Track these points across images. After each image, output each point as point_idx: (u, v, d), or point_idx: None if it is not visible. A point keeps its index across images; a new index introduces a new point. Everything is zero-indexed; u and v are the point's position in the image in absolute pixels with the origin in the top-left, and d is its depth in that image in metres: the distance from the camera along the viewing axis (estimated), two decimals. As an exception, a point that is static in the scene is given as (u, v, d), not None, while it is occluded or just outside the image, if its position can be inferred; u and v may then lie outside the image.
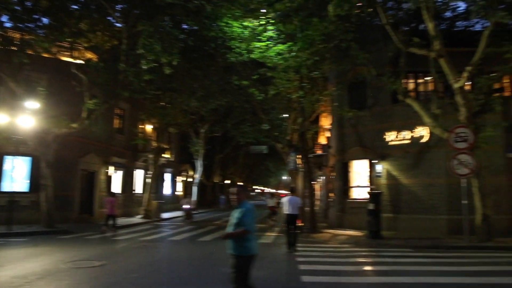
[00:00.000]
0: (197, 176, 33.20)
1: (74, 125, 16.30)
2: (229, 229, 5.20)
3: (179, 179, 36.59)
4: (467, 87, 13.83)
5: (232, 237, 5.14)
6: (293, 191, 13.00)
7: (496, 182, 14.51)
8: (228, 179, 49.95)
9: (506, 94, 16.46)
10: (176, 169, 34.90)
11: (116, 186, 23.33)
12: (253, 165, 54.91)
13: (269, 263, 9.69)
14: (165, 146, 27.26)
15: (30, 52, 15.40)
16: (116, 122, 24.17)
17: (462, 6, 28.77)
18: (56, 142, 16.46)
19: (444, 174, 14.80)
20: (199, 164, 32.55)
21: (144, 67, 14.94)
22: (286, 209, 11.79)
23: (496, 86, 14.03)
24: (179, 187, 36.85)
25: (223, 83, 21.14)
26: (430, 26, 12.68)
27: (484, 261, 9.78)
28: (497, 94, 13.97)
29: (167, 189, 32.47)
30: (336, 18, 13.63)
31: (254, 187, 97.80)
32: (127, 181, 25.00)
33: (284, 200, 12.16)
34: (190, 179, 38.51)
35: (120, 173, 24.10)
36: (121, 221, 17.02)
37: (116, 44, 16.90)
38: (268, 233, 16.69)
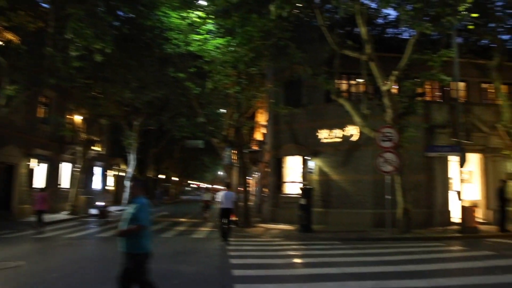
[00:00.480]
0: (130, 170, 32.13)
1: (-10, 113, 15.00)
2: (123, 226, 4.90)
3: (110, 173, 35.16)
4: (394, 90, 14.69)
5: (126, 234, 4.85)
6: (228, 186, 13.68)
7: (415, 179, 15.59)
8: (162, 174, 48.94)
9: (427, 98, 17.72)
10: (107, 163, 33.38)
11: (40, 180, 21.91)
12: (189, 160, 54.18)
13: (201, 258, 9.69)
14: (96, 139, 26.03)
15: None
16: (41, 111, 22.65)
17: (393, 14, 30.39)
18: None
19: (371, 171, 15.62)
20: (132, 158, 31.53)
21: (73, 53, 14.06)
22: (221, 203, 12.29)
23: (419, 90, 15.04)
24: (110, 181, 35.44)
25: (159, 75, 20.54)
26: (363, 30, 13.30)
27: (403, 251, 10.51)
28: (420, 98, 14.98)
29: (97, 184, 31.08)
30: (275, 16, 13.87)
31: (189, 182, 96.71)
32: (52, 175, 23.56)
33: (220, 194, 12.71)
34: (122, 174, 37.17)
35: (44, 166, 22.67)
36: (45, 217, 15.97)
37: (42, 26, 15.73)
38: (202, 228, 16.64)
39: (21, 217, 18.96)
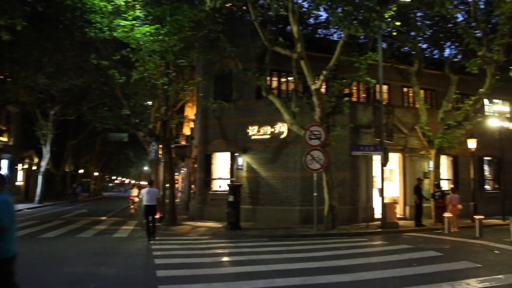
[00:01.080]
0: (44, 164, 29.68)
1: None
2: None
3: (20, 167, 32.24)
4: (323, 90, 14.98)
5: None
6: (151, 183, 13.47)
7: (341, 176, 16.09)
8: (82, 169, 46.12)
9: (354, 99, 18.37)
10: (17, 155, 30.45)
11: None
12: (112, 154, 51.64)
13: (123, 258, 9.08)
14: (2, 128, 23.64)
15: None
16: None
17: (323, 15, 31.30)
18: None
19: (299, 168, 15.81)
20: (46, 151, 29.13)
21: None
22: (145, 200, 12.19)
23: (346, 91, 15.53)
24: (20, 176, 32.55)
25: (79, 61, 19.10)
26: (295, 29, 13.36)
27: (329, 247, 10.72)
28: (346, 99, 15.47)
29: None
30: (209, 7, 13.46)
31: (113, 177, 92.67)
32: None
33: (143, 191, 12.60)
34: (35, 167, 34.31)
35: None
36: None
37: None
38: (124, 227, 15.76)
39: None
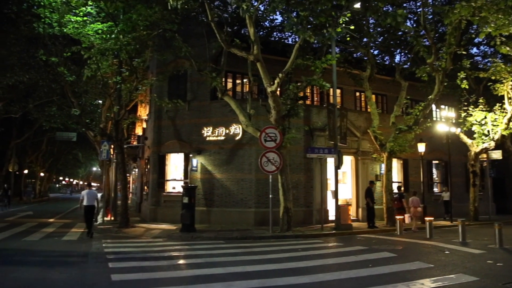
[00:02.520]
0: (-15, 163, 28.01)
1: None
2: None
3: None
4: (278, 92, 15.14)
5: None
6: (90, 185, 15.04)
7: (296, 178, 16.36)
8: (27, 169, 43.76)
9: (308, 102, 18.73)
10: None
11: None
12: (59, 154, 49.46)
13: (75, 262, 8.73)
14: None
15: None
16: None
17: (279, 19, 31.66)
18: None
19: (254, 170, 15.91)
20: (-12, 150, 27.49)
21: None
22: (85, 201, 13.12)
23: (301, 94, 15.79)
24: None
25: (25, 56, 18.17)
26: (251, 31, 13.41)
27: (285, 248, 10.80)
28: (301, 102, 15.74)
29: None
30: (162, 7, 13.25)
31: (60, 178, 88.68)
32: None
33: (83, 193, 13.43)
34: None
35: None
36: None
37: None
38: (74, 229, 15.15)
39: None
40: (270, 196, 13.75)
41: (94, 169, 74.01)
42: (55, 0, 13.80)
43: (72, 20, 14.18)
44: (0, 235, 13.10)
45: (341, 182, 17.53)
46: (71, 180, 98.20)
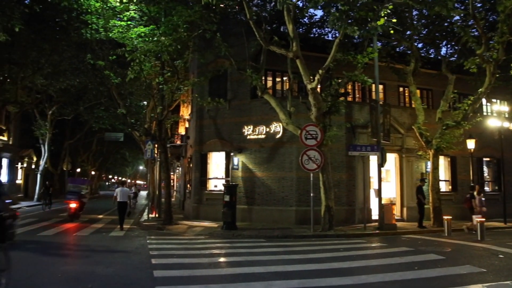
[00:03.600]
0: (42, 163, 29.72)
1: None
2: None
3: (19, 165, 32.19)
4: (319, 89, 14.95)
5: None
6: (123, 183, 17.27)
7: (338, 177, 16.10)
8: (79, 168, 45.91)
9: (350, 99, 18.35)
10: (16, 154, 30.48)
11: None
12: (108, 153, 51.55)
13: (119, 257, 9.03)
14: (2, 127, 23.57)
15: None
16: None
17: (318, 14, 31.32)
18: None
19: (295, 168, 15.81)
20: (44, 150, 29.14)
21: None
22: (119, 197, 14.91)
23: (342, 90, 15.49)
24: (20, 174, 32.47)
25: (76, 61, 19.12)
26: (290, 27, 13.32)
27: (327, 248, 10.65)
28: (342, 98, 15.44)
29: (3, 177, 28.15)
30: (201, 7, 13.43)
31: (110, 176, 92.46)
32: None
33: (117, 190, 15.27)
34: (34, 166, 34.26)
35: None
36: None
37: None
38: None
39: None
40: (312, 194, 13.61)
41: (141, 168, 76.32)
42: (101, 7, 14.34)
43: (117, 24, 14.69)
44: (54, 229, 13.83)
45: (385, 181, 17.07)
46: (120, 178, 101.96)
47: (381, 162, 14.53)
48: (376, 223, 14.58)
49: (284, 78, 18.04)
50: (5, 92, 19.94)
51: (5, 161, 28.16)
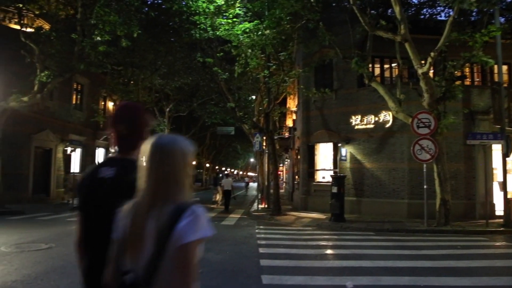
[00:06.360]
0: (163, 156, 32.56)
1: (25, 99, 15.12)
2: None
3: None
4: (431, 74, 13.91)
5: None
6: (227, 175, 20.55)
7: (454, 168, 14.84)
8: (195, 161, 49.25)
9: (467, 82, 16.74)
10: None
11: (75, 165, 22.44)
12: (221, 147, 54.40)
13: (229, 246, 9.48)
14: (128, 125, 26.31)
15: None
16: (75, 98, 23.11)
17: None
18: (5, 117, 15.27)
19: (406, 159, 14.99)
20: (163, 145, 31.86)
21: (98, 38, 14.03)
22: (225, 186, 19.53)
23: (458, 73, 14.17)
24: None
25: (188, 61, 20.50)
26: (397, 9, 12.58)
27: (442, 244, 9.93)
28: (459, 82, 14.11)
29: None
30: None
31: (222, 168, 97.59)
32: (88, 160, 24.11)
33: (223, 181, 20.06)
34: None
35: (79, 151, 23.18)
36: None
37: (71, 13, 15.81)
38: (232, 215, 16.52)
39: (58, 200, 19.58)
40: (425, 186, 12.75)
41: (251, 160, 79.12)
42: (208, 7, 15.13)
43: (223, 22, 15.35)
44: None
45: (511, 173, 15.25)
46: (232, 170, 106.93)
47: (506, 152, 12.98)
48: (501, 220, 13.03)
49: (393, 65, 17.14)
50: (130, 93, 22.19)
51: (131, 156, 31.55)
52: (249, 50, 15.16)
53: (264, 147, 20.01)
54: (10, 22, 15.97)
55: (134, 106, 2.06)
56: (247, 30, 15.01)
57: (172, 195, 1.54)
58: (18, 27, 15.59)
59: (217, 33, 15.64)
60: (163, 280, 1.45)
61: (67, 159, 21.67)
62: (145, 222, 1.50)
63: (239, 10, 15.24)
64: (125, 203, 1.61)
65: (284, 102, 27.15)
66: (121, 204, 1.63)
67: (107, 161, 2.01)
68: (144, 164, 1.57)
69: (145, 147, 1.58)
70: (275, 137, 20.97)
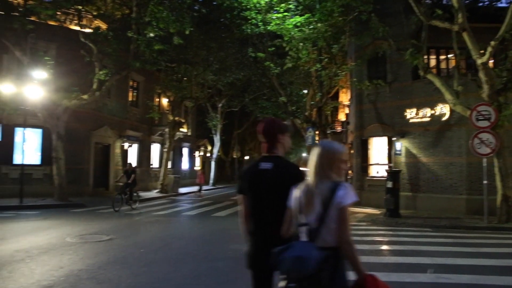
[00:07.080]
0: (215, 151, 33.29)
1: (85, 97, 16.05)
2: None
3: (197, 154, 36.70)
4: (491, 64, 13.26)
5: None
6: None
7: (517, 162, 14.08)
8: (247, 155, 49.85)
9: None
10: (194, 144, 34.96)
11: (132, 160, 23.52)
12: (273, 142, 54.61)
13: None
14: (182, 120, 27.17)
15: (34, 19, 14.97)
16: (131, 95, 24.12)
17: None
18: (67, 114, 16.24)
19: (464, 153, 14.45)
20: (217, 139, 32.56)
21: (151, 34, 14.62)
22: None
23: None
24: (198, 162, 37.05)
25: (239, 56, 20.80)
26: (454, -3, 12.11)
27: (503, 242, 9.54)
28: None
29: (185, 164, 32.63)
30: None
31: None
32: (144, 155, 25.16)
33: None
34: (208, 155, 38.67)
35: (135, 147, 24.24)
36: (140, 195, 17.15)
37: (127, 13, 16.55)
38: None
39: (115, 194, 20.64)
40: (485, 182, 12.23)
41: (304, 154, 78.85)
42: (259, 2, 15.29)
43: (274, 17, 15.46)
44: (226, 211, 15.50)
45: None
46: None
47: None
48: None
49: (449, 55, 16.49)
50: (183, 90, 22.86)
51: (185, 150, 32.71)
52: (301, 44, 15.17)
53: (316, 141, 19.98)
54: (70, 24, 16.92)
55: (267, 122, 2.96)
56: (299, 24, 15.03)
57: (329, 176, 2.41)
58: (77, 28, 16.46)
59: (268, 28, 15.77)
60: (327, 228, 2.36)
61: (124, 154, 22.71)
62: (314, 193, 2.39)
63: (290, 4, 15.27)
64: (286, 185, 2.56)
65: (336, 96, 26.88)
66: (278, 187, 2.64)
67: (262, 158, 2.86)
68: (313, 158, 2.47)
69: (315, 149, 2.51)
70: (328, 131, 20.85)
